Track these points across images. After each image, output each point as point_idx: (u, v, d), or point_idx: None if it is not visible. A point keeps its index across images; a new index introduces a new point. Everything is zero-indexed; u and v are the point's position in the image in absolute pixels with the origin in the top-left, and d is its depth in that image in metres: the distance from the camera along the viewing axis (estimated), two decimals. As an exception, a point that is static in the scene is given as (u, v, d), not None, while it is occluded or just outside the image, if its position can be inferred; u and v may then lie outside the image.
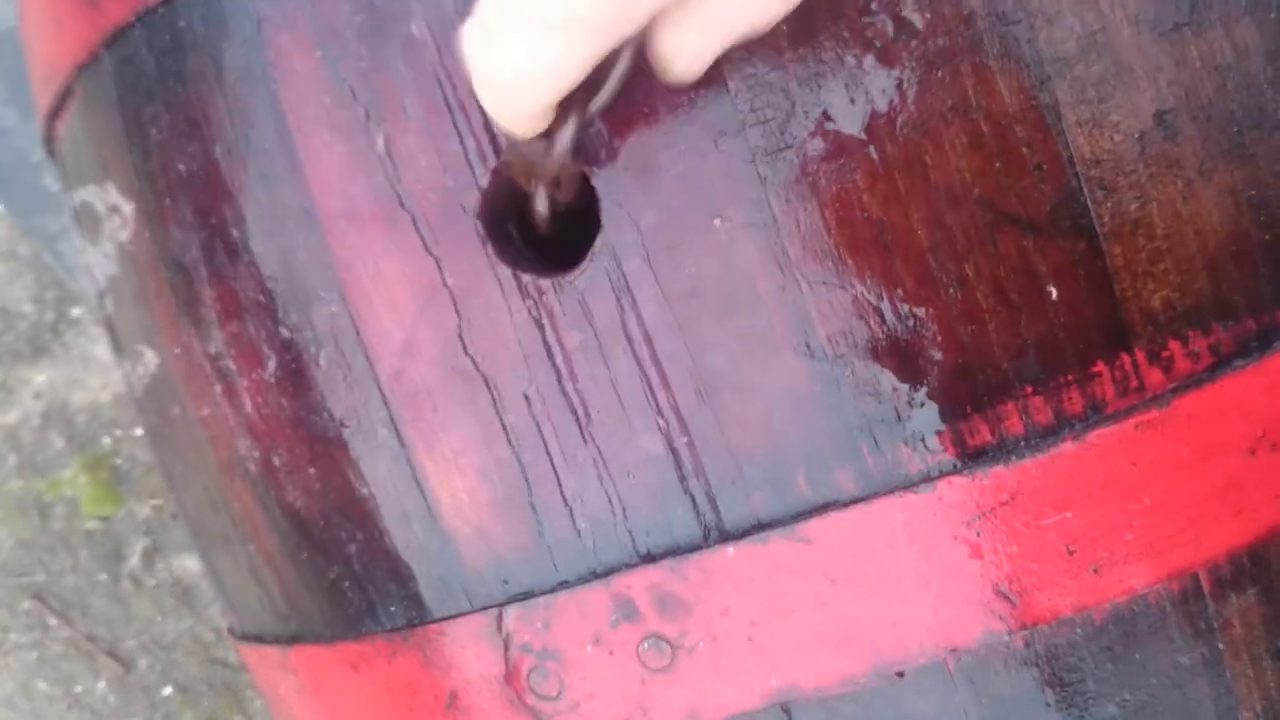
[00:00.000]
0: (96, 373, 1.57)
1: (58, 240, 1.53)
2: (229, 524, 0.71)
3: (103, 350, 1.57)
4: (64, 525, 1.57)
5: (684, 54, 0.51)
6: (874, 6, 0.56)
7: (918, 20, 0.56)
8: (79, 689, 1.55)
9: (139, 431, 1.55)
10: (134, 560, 1.56)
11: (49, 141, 0.78)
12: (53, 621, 1.56)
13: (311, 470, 0.65)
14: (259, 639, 0.75)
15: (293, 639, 0.71)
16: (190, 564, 1.53)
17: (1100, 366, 0.58)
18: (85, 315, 1.57)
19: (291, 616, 0.71)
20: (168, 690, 1.53)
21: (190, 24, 0.63)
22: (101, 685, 1.55)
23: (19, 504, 1.58)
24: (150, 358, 0.71)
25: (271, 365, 0.64)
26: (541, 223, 0.59)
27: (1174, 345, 0.59)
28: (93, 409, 1.57)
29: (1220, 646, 0.61)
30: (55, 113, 0.74)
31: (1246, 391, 0.59)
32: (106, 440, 1.57)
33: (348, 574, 0.66)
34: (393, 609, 0.65)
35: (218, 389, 0.66)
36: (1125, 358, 0.58)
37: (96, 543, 1.57)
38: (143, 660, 1.54)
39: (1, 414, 1.59)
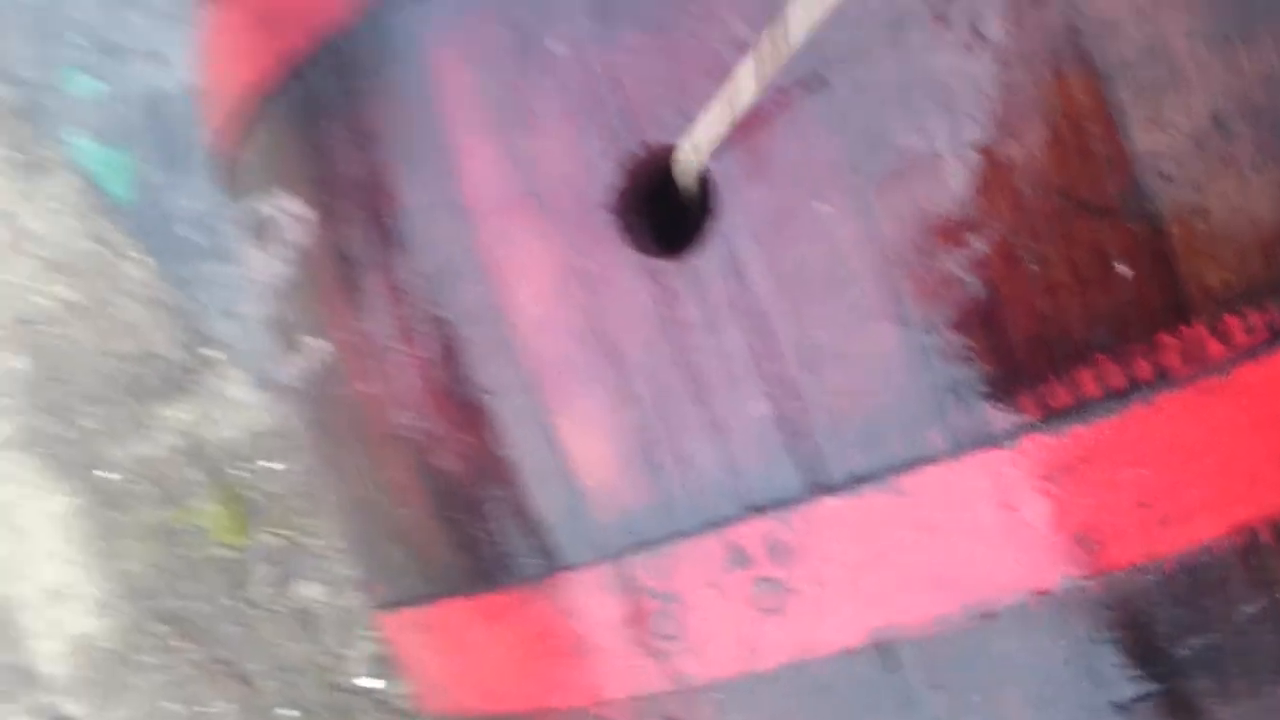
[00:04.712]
0: (231, 411, 1.68)
1: (193, 286, 1.65)
2: (381, 493, 0.80)
3: (236, 390, 1.68)
4: (196, 553, 1.67)
5: None
6: (952, 14, 0.63)
7: (1001, 30, 0.64)
8: (204, 709, 1.64)
9: (269, 465, 1.65)
10: (260, 588, 1.65)
11: (228, 163, 0.88)
12: (182, 644, 1.66)
13: (461, 435, 0.73)
14: (400, 604, 0.83)
15: (434, 597, 0.79)
16: (312, 592, 1.62)
17: (1166, 337, 0.65)
18: (220, 357, 1.69)
19: (435, 577, 0.79)
20: (287, 711, 1.61)
21: (363, 48, 0.73)
22: (227, 706, 1.64)
23: (155, 532, 1.68)
24: (318, 345, 0.80)
25: (427, 342, 0.73)
26: (687, 195, 0.67)
27: (1232, 321, 0.65)
28: (227, 445, 1.68)
29: (1281, 597, 0.66)
30: (236, 136, 0.84)
31: (1300, 363, 0.65)
32: (238, 474, 1.68)
33: (488, 531, 0.74)
34: (527, 561, 0.73)
35: (380, 366, 0.75)
36: (1187, 330, 0.65)
37: (226, 570, 1.67)
38: (265, 683, 1.63)
39: (140, 447, 1.70)
